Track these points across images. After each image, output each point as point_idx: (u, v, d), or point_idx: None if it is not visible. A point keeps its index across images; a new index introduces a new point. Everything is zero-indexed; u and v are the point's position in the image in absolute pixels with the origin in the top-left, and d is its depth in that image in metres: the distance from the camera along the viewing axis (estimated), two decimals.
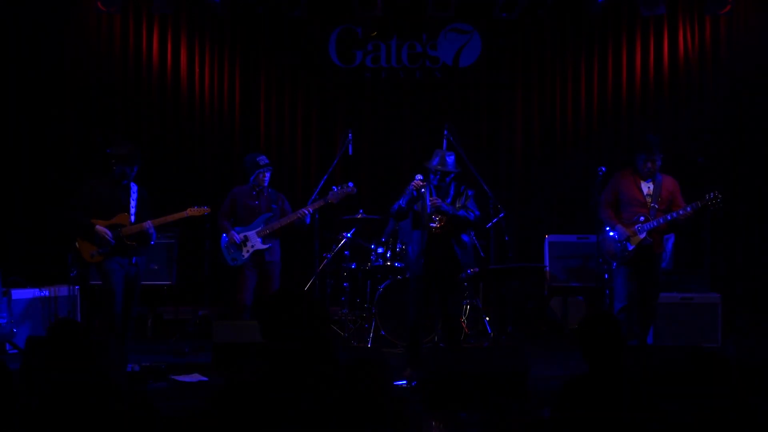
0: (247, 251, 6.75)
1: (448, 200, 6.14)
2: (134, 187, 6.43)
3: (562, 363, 6.49)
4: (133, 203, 6.37)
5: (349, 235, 7.67)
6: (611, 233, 6.35)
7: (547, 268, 7.86)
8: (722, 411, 2.95)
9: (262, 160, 6.86)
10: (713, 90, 8.60)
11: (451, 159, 6.16)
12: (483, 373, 5.18)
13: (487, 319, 7.58)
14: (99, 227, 6.20)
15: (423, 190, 6.06)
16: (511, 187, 8.83)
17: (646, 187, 6.33)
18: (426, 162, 6.21)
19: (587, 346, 3.37)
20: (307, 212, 6.75)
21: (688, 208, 6.16)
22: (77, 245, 6.30)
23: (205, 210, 6.62)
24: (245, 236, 6.75)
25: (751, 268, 8.53)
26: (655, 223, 6.21)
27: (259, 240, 6.77)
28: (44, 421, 3.14)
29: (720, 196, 6.10)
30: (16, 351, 6.90)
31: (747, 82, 8.53)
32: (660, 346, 6.78)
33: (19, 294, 7.20)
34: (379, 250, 7.55)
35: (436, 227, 6.11)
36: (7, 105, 8.57)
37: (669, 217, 6.19)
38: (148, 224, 6.29)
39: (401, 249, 7.46)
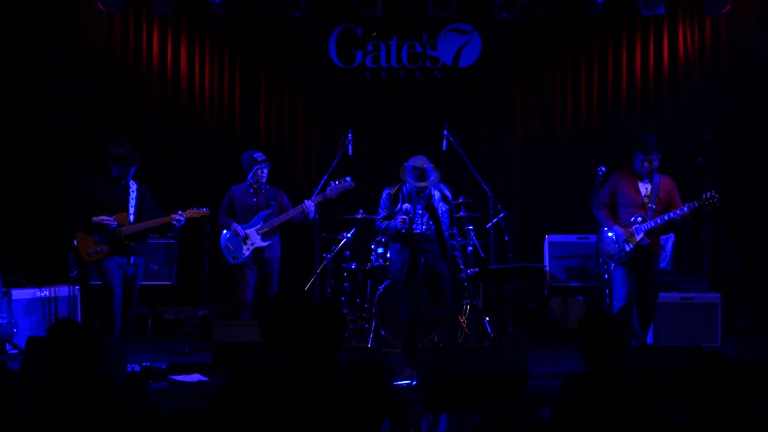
0: (248, 249, 6.78)
1: (435, 204, 6.13)
2: (133, 186, 6.44)
3: (562, 363, 6.49)
4: (132, 203, 6.38)
5: (349, 235, 7.67)
6: (609, 234, 6.35)
7: (547, 268, 7.86)
8: (722, 411, 2.95)
9: (260, 156, 6.88)
10: (713, 90, 8.60)
11: (429, 167, 6.07)
12: (483, 373, 5.18)
13: (487, 319, 7.58)
14: (96, 218, 6.20)
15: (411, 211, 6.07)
16: (511, 187, 8.83)
17: (644, 188, 6.32)
18: (403, 176, 6.13)
19: (587, 345, 3.37)
20: (308, 206, 6.77)
21: (685, 208, 6.15)
22: (75, 244, 6.30)
23: (204, 212, 6.63)
24: (246, 233, 6.78)
25: (751, 268, 8.53)
26: (652, 224, 6.20)
27: (258, 237, 6.80)
28: (44, 422, 3.14)
29: (717, 195, 6.09)
30: (16, 351, 6.90)
31: (747, 82, 8.53)
32: (660, 346, 6.78)
33: (19, 294, 7.20)
34: (379, 250, 7.55)
35: (425, 231, 6.09)
36: (6, 105, 8.57)
37: (666, 218, 6.18)
38: (179, 214, 6.36)
39: None
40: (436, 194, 6.18)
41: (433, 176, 6.09)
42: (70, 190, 6.61)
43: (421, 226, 6.06)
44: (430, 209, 6.13)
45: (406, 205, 6.04)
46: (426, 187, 6.10)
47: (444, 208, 6.18)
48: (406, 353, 6.14)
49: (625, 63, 8.77)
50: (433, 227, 6.13)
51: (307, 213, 6.80)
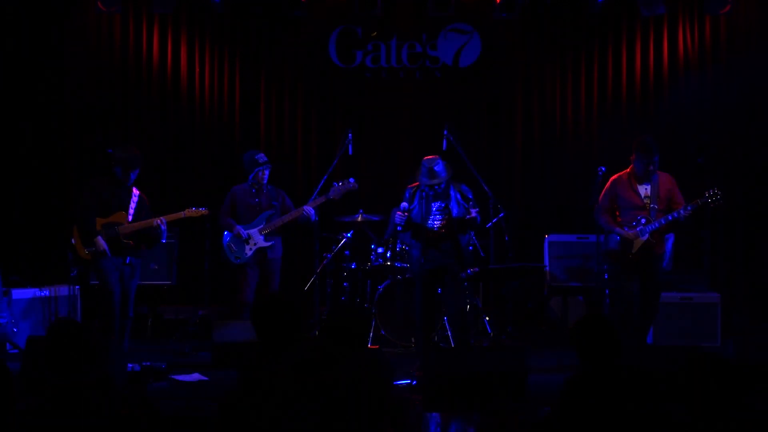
0: (250, 249, 6.81)
1: (452, 203, 6.27)
2: (135, 191, 6.46)
3: (562, 363, 6.48)
4: (132, 205, 6.41)
5: (349, 235, 7.67)
6: (615, 237, 6.33)
7: (547, 268, 7.86)
8: (722, 411, 2.95)
9: (261, 158, 6.90)
10: (713, 90, 8.60)
11: (438, 167, 6.27)
12: (483, 373, 5.18)
13: (487, 319, 7.58)
14: (98, 240, 6.21)
15: (421, 198, 6.27)
16: (511, 187, 8.83)
17: (643, 189, 6.31)
18: (417, 176, 6.36)
19: (581, 348, 3.39)
20: (310, 208, 6.81)
21: (689, 208, 6.15)
22: (73, 242, 6.32)
23: (203, 211, 6.64)
24: (249, 234, 6.80)
25: (751, 268, 8.53)
26: (656, 225, 6.20)
27: (261, 237, 6.83)
28: (44, 422, 3.14)
29: (719, 192, 6.11)
30: (16, 351, 6.90)
31: (747, 82, 8.52)
32: (660, 346, 6.78)
33: (19, 294, 7.20)
34: (379, 250, 7.56)
35: (439, 228, 6.21)
36: (6, 105, 8.57)
37: (670, 218, 6.19)
38: (161, 220, 6.33)
39: (401, 249, 7.48)
40: (455, 194, 6.33)
41: (444, 174, 6.26)
42: (70, 191, 6.61)
43: (434, 222, 6.23)
44: (446, 207, 6.29)
45: (403, 204, 6.29)
46: (438, 184, 6.24)
47: (461, 205, 6.31)
48: (418, 351, 6.26)
49: (625, 63, 8.76)
50: (442, 223, 6.27)
51: (308, 216, 6.86)
